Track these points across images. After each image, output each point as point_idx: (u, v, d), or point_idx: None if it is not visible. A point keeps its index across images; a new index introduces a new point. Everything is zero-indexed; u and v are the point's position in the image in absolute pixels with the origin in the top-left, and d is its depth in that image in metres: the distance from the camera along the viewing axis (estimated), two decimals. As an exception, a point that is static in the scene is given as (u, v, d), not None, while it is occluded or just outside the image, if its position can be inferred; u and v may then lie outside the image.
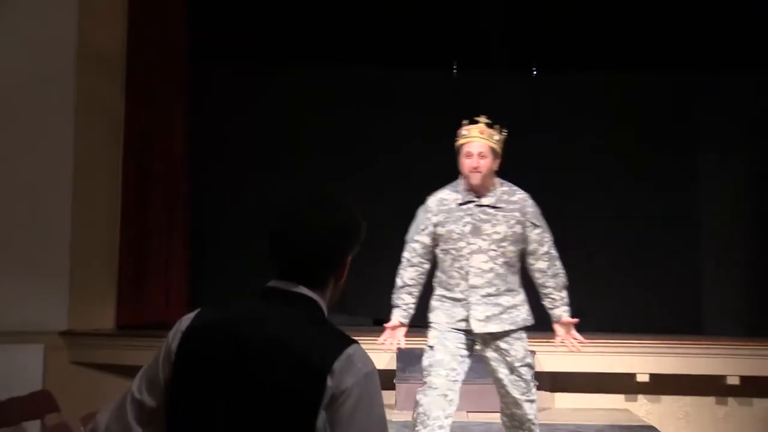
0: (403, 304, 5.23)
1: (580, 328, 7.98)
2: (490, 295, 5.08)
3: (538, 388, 7.28)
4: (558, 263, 5.22)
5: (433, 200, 5.23)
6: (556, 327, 5.28)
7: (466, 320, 5.10)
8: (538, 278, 5.22)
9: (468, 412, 6.73)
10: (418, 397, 5.07)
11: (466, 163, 5.11)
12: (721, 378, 7.49)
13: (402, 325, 5.25)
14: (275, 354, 2.08)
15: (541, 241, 5.18)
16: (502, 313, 5.10)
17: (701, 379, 7.51)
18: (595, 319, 8.27)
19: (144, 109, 8.06)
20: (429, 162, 7.61)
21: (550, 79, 8.76)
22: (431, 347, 5.12)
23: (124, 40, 8.12)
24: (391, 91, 8.55)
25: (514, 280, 5.19)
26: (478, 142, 5.10)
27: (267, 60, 8.67)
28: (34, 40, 7.80)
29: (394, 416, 6.74)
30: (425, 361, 5.13)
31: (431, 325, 5.19)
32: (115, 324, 8.03)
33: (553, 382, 7.63)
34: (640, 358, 7.53)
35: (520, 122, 8.61)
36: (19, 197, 7.73)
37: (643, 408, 7.64)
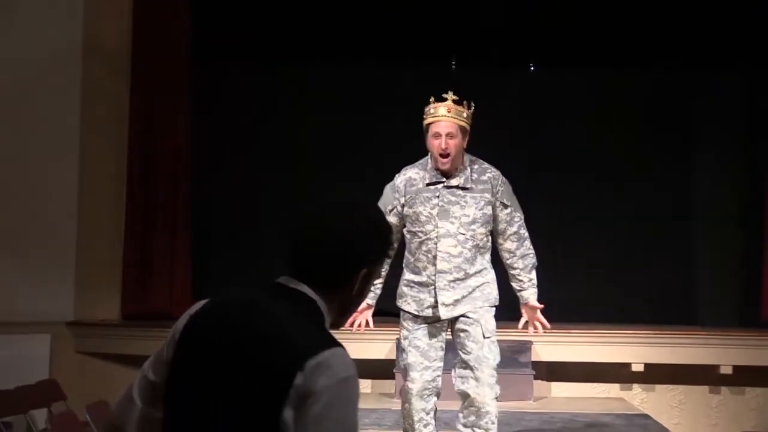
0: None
1: (576, 318, 8.16)
2: (458, 279, 4.89)
3: (535, 378, 7.43)
4: (527, 243, 5.00)
5: (400, 179, 5.01)
6: (523, 309, 5.10)
7: (435, 306, 4.92)
8: (507, 258, 5.01)
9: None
10: (402, 395, 5.03)
11: (434, 144, 4.86)
12: (715, 367, 7.58)
13: (369, 306, 5.03)
14: (254, 342, 2.05)
15: (511, 221, 4.95)
16: (471, 292, 4.91)
17: (695, 368, 7.60)
18: (591, 309, 8.39)
19: (148, 103, 8.12)
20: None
21: (548, 75, 8.83)
22: (403, 350, 5.01)
23: (129, 36, 8.18)
24: (390, 87, 8.54)
25: (484, 261, 4.98)
26: (446, 121, 4.84)
27: (269, 58, 8.68)
28: (40, 35, 7.87)
29: (394, 405, 6.83)
30: (400, 363, 5.10)
31: (402, 317, 5.04)
32: (121, 315, 8.10)
33: (550, 371, 7.71)
34: (634, 348, 7.61)
35: (518, 117, 8.76)
36: (26, 190, 7.80)
37: (637, 397, 7.73)
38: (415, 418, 4.92)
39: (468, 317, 4.89)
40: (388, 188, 5.05)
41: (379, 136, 8.51)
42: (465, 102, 4.93)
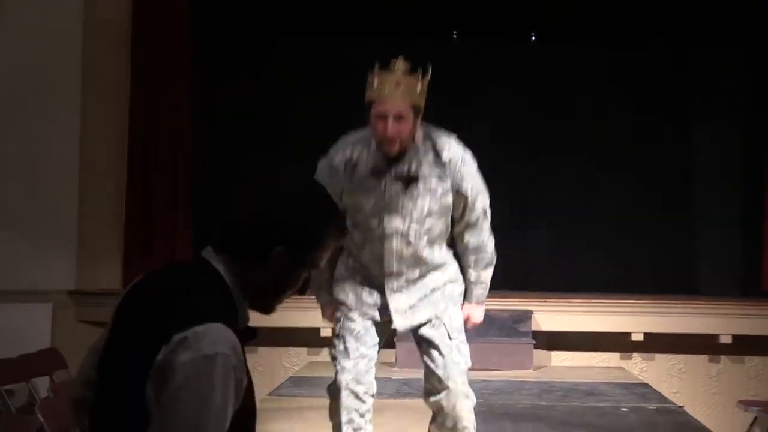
0: (326, 281, 4.19)
1: (576, 288, 8.19)
2: (413, 280, 4.08)
3: (535, 347, 7.46)
4: (485, 235, 4.14)
5: (338, 159, 4.06)
6: (464, 306, 4.22)
7: (386, 308, 4.09)
8: (460, 249, 4.19)
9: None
10: (328, 392, 4.20)
11: (378, 128, 3.86)
12: (714, 337, 7.61)
13: (332, 302, 4.21)
14: (133, 315, 2.01)
15: (471, 208, 4.06)
16: (431, 294, 4.10)
17: (694, 337, 7.63)
18: (591, 279, 8.42)
19: (149, 81, 8.08)
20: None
21: (548, 47, 8.78)
22: (336, 335, 4.17)
23: (129, 13, 8.13)
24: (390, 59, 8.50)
25: (443, 253, 4.15)
26: (394, 100, 3.82)
27: (271, 35, 8.60)
28: (40, 13, 7.81)
29: (394, 374, 6.87)
30: (330, 351, 4.21)
31: (338, 306, 4.18)
32: (122, 283, 8.11)
33: (549, 340, 7.73)
34: (634, 318, 7.64)
35: (519, 88, 8.75)
36: (27, 160, 7.79)
37: (637, 366, 7.76)
38: (344, 419, 4.04)
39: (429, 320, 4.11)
40: (324, 166, 4.11)
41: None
42: (417, 71, 3.90)
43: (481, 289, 4.21)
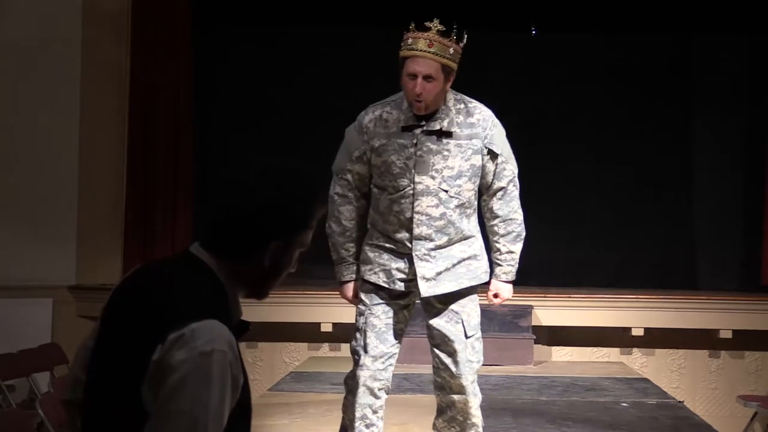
0: (350, 256, 4.16)
1: (576, 283, 8.19)
2: (439, 247, 4.02)
3: (536, 342, 7.47)
4: (514, 205, 4.11)
5: (368, 118, 4.07)
6: (492, 282, 4.22)
7: (410, 280, 4.06)
8: (488, 220, 4.16)
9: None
10: (345, 384, 4.22)
11: (408, 86, 3.90)
12: (714, 332, 7.61)
13: (356, 281, 4.18)
14: (126, 313, 1.97)
15: (500, 174, 4.06)
16: (456, 265, 4.06)
17: (695, 333, 7.64)
18: (591, 274, 8.42)
19: (149, 64, 8.06)
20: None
21: (549, 38, 8.78)
22: (358, 329, 4.13)
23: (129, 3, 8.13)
24: (391, 51, 8.48)
25: (471, 226, 4.10)
26: (424, 59, 3.86)
27: (270, 17, 8.60)
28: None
29: (394, 369, 6.86)
30: (352, 344, 4.15)
31: (361, 288, 4.14)
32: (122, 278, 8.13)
33: (550, 335, 7.75)
34: (635, 313, 7.65)
35: (518, 81, 8.74)
36: (26, 154, 7.80)
37: (637, 361, 7.77)
38: (357, 414, 4.05)
39: (448, 310, 4.09)
40: (352, 130, 4.14)
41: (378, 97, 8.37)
42: (454, 33, 3.95)
43: (510, 264, 4.17)
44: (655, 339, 7.70)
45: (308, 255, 2.14)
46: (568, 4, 8.46)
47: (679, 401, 6.43)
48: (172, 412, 1.83)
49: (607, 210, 8.64)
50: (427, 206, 3.98)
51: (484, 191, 4.10)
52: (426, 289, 4.02)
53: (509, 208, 4.10)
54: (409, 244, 4.01)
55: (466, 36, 3.97)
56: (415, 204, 3.97)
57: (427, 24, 3.94)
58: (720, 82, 8.66)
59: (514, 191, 4.11)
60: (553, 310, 7.62)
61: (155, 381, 1.85)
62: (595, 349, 7.82)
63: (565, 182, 8.63)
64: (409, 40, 3.93)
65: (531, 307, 7.46)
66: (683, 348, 7.76)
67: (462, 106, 4.04)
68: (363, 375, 4.05)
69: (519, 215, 4.13)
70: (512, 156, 4.12)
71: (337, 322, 7.25)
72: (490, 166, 4.04)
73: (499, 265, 4.17)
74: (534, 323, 7.49)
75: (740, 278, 8.45)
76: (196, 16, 8.23)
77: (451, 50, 3.91)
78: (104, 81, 8.05)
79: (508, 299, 4.26)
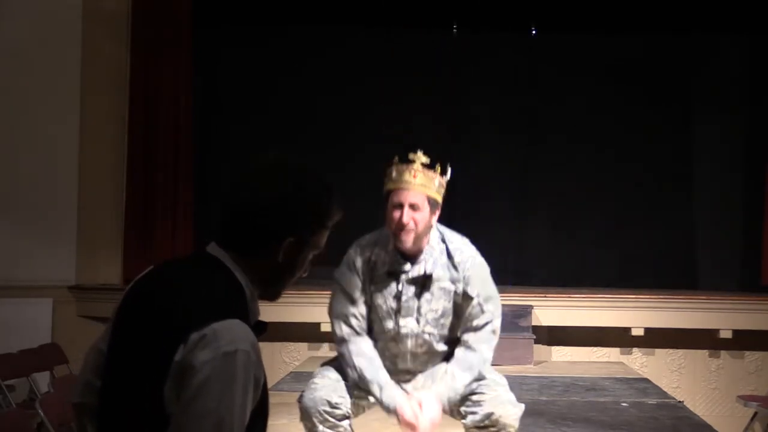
0: (388, 380, 3.93)
1: (576, 283, 8.21)
2: (424, 371, 4.01)
3: (536, 342, 7.47)
4: (484, 347, 3.90)
5: (360, 261, 3.97)
6: (425, 392, 3.90)
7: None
8: (457, 344, 3.96)
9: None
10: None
11: (393, 217, 3.79)
12: (715, 332, 7.61)
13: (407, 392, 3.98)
14: (146, 314, 1.96)
15: (477, 315, 3.90)
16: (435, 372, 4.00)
17: (695, 332, 7.63)
18: (591, 274, 8.43)
19: (149, 64, 8.08)
20: (428, 123, 7.72)
21: (549, 40, 8.78)
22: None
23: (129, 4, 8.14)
24: (390, 51, 8.51)
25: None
26: (410, 190, 3.78)
27: (270, 17, 8.62)
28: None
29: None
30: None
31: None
32: (122, 278, 8.12)
33: (550, 335, 7.75)
34: (635, 313, 7.65)
35: (520, 81, 8.74)
36: (27, 153, 7.82)
37: (637, 361, 7.77)
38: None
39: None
40: (346, 272, 4.00)
41: (378, 103, 8.32)
42: (438, 166, 3.84)
43: (452, 392, 3.87)
44: (655, 339, 7.70)
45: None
46: (568, 4, 8.46)
47: (679, 401, 6.42)
48: (196, 413, 1.83)
49: (607, 210, 8.65)
50: (412, 345, 3.95)
51: (462, 325, 3.96)
52: (413, 391, 3.98)
53: (477, 340, 3.91)
54: (395, 376, 3.96)
55: (450, 170, 3.86)
56: (400, 345, 3.95)
57: (411, 156, 3.81)
58: (720, 82, 8.67)
59: (491, 337, 3.93)
60: (553, 310, 7.61)
61: (178, 381, 1.85)
62: (595, 349, 7.82)
63: (565, 182, 8.63)
64: (393, 173, 3.83)
65: (531, 307, 7.46)
66: (683, 348, 7.76)
67: (445, 245, 3.94)
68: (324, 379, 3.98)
69: (484, 353, 3.91)
70: (494, 298, 3.95)
71: (338, 323, 7.23)
72: (466, 307, 3.91)
73: (441, 382, 3.91)
74: (534, 323, 7.49)
75: (740, 278, 8.45)
76: (196, 16, 8.23)
77: (436, 182, 3.82)
78: (104, 81, 8.06)
79: (433, 419, 3.79)
